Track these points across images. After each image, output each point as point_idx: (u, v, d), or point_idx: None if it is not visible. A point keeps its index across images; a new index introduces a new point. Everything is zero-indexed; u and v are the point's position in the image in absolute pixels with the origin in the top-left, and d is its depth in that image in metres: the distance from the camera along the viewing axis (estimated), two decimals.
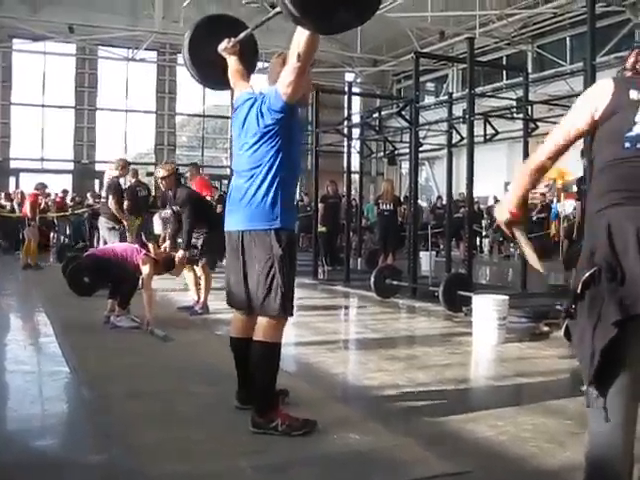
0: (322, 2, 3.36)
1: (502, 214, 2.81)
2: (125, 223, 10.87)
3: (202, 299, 8.98)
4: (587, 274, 2.38)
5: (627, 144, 2.48)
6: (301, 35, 3.68)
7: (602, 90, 2.60)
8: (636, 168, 2.45)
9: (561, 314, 2.56)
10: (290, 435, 3.93)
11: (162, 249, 8.95)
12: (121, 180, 11.38)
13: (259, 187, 4.05)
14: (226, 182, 24.83)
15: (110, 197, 10.69)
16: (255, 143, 4.09)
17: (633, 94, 2.53)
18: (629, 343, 2.37)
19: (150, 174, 22.38)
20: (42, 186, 17.42)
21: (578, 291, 2.43)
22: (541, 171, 2.76)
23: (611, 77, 2.64)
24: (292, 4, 3.27)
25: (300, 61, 3.74)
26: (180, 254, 8.45)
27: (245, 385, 4.39)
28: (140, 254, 7.88)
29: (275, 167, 4.03)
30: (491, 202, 23.46)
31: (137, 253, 7.92)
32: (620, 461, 2.43)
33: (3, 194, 21.88)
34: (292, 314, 4.15)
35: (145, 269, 7.74)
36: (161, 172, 8.86)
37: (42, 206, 21.07)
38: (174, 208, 8.84)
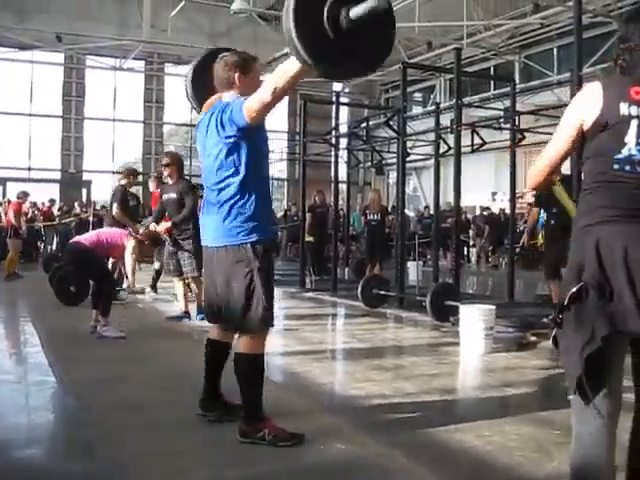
0: (335, 51, 3.33)
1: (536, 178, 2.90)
2: (131, 229, 10.85)
3: (186, 307, 9.04)
4: (575, 289, 2.47)
5: (616, 166, 2.51)
6: (289, 69, 3.65)
7: (590, 100, 2.58)
8: (624, 189, 2.49)
9: (550, 324, 2.70)
10: (277, 445, 3.91)
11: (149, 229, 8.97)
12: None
13: (230, 200, 3.99)
14: None
15: (115, 204, 10.62)
16: (219, 154, 4.00)
17: (623, 108, 2.51)
18: (612, 355, 2.51)
19: (137, 184, 22.30)
20: (24, 194, 17.19)
21: (565, 303, 2.51)
22: (547, 178, 2.88)
23: (599, 82, 2.61)
24: (305, 52, 3.25)
25: (273, 96, 3.70)
26: (168, 225, 8.63)
27: (209, 393, 4.41)
28: (126, 235, 8.07)
29: (243, 179, 3.96)
30: (478, 212, 23.55)
31: (124, 235, 8.07)
32: (604, 465, 2.53)
33: None
34: (273, 325, 4.14)
35: (130, 243, 7.94)
36: (165, 159, 9.10)
37: (29, 215, 21.06)
38: (172, 196, 8.86)
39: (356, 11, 3.24)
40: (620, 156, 2.50)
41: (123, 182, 11.09)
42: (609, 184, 2.53)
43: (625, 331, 2.44)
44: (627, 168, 2.49)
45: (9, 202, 18.25)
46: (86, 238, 8.09)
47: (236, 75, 4.13)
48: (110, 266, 9.32)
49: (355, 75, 3.60)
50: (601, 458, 2.53)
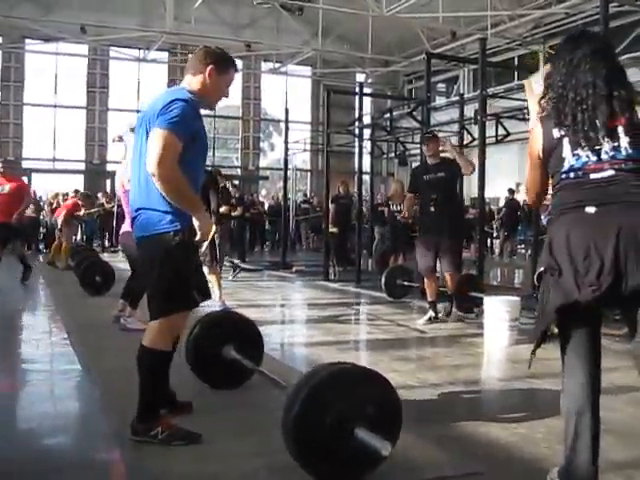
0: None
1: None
2: None
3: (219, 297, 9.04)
4: (539, 271, 3.08)
5: (563, 175, 3.07)
6: (191, 205, 3.80)
7: (537, 135, 3.18)
8: (569, 190, 3.04)
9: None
10: (170, 444, 3.81)
11: None
12: None
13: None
14: (237, 182, 24.84)
15: None
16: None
17: (555, 133, 3.08)
18: (570, 319, 3.12)
19: None
20: (86, 197, 17.49)
21: (535, 282, 3.14)
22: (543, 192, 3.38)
23: (538, 118, 3.22)
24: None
25: (160, 173, 3.67)
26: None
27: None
28: None
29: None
30: (502, 203, 23.45)
31: None
32: (586, 414, 3.08)
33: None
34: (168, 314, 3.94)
35: None
36: None
37: (54, 205, 21.35)
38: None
39: (360, 435, 3.25)
40: (564, 169, 3.06)
41: None
42: (562, 188, 3.08)
43: (572, 301, 2.94)
44: (571, 175, 3.04)
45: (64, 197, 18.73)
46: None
47: (210, 67, 4.03)
48: None
49: None
50: (584, 407, 3.09)
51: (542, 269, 3.05)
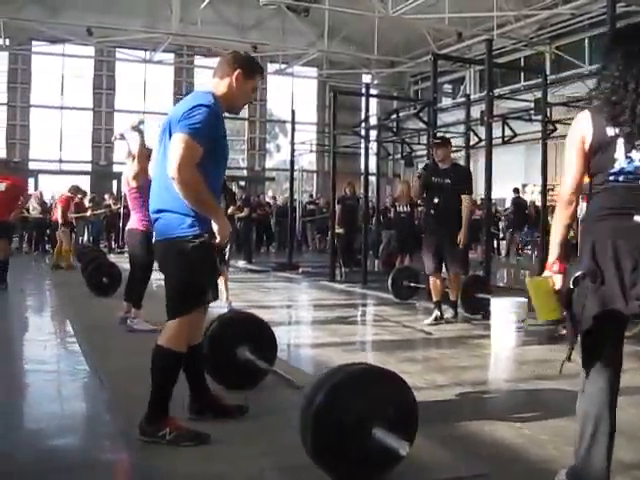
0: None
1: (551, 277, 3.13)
2: None
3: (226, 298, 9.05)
4: (577, 274, 2.94)
5: (611, 177, 2.91)
6: (210, 209, 3.86)
7: (584, 129, 2.97)
8: (616, 194, 2.90)
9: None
10: (179, 445, 3.81)
11: None
12: None
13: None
14: (243, 183, 24.88)
15: None
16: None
17: (610, 131, 2.89)
18: (607, 332, 3.00)
19: None
20: (75, 190, 17.45)
21: (570, 286, 2.98)
22: (572, 210, 3.09)
23: (588, 110, 3.02)
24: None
25: (180, 178, 3.72)
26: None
27: (196, 397, 4.31)
28: None
29: None
30: (508, 204, 23.42)
31: None
32: (603, 417, 3.01)
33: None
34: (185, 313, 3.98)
35: None
36: None
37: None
38: None
39: (378, 435, 3.27)
40: (614, 170, 2.90)
41: None
42: (607, 190, 2.93)
43: (614, 309, 2.85)
44: (620, 178, 2.89)
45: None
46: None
47: (238, 71, 4.08)
48: None
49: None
50: (603, 412, 3.01)
51: (580, 273, 2.92)
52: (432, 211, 8.76)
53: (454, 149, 16.38)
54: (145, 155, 7.64)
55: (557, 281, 3.06)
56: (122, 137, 8.41)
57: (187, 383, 4.31)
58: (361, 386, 3.39)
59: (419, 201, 9.57)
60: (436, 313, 8.65)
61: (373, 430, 3.27)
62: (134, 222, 7.84)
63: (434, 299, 8.77)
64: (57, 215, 16.43)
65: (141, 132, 7.92)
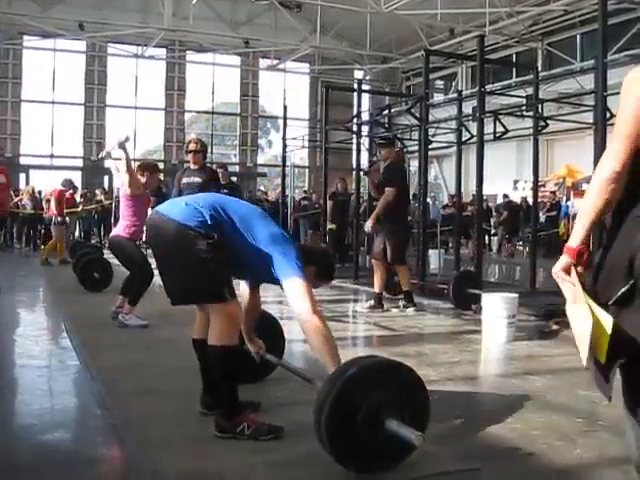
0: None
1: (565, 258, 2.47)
2: None
3: None
4: (626, 287, 2.20)
5: None
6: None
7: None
8: None
9: None
10: (257, 439, 3.84)
11: None
12: None
13: None
14: (235, 179, 24.82)
15: None
16: None
17: None
18: None
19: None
20: (69, 183, 17.46)
21: (611, 302, 2.27)
22: (613, 191, 2.34)
23: None
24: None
25: None
26: None
27: (209, 390, 4.31)
28: None
29: None
30: (500, 200, 23.45)
31: None
32: None
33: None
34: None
35: None
36: (194, 146, 8.65)
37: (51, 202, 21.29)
38: (197, 180, 8.68)
39: (392, 427, 3.29)
40: None
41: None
42: None
43: None
44: None
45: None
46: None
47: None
48: None
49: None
50: None
51: (630, 284, 2.24)
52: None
53: (446, 145, 16.56)
54: (132, 169, 7.91)
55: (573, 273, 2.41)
56: (109, 155, 8.41)
57: (201, 373, 4.36)
58: (375, 378, 3.42)
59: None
60: (371, 302, 9.50)
61: (387, 421, 3.30)
62: (120, 229, 7.97)
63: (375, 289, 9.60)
64: (52, 209, 16.39)
65: (125, 149, 7.87)
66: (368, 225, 9.31)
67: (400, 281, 9.56)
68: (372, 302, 9.43)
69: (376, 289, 9.49)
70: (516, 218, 21.82)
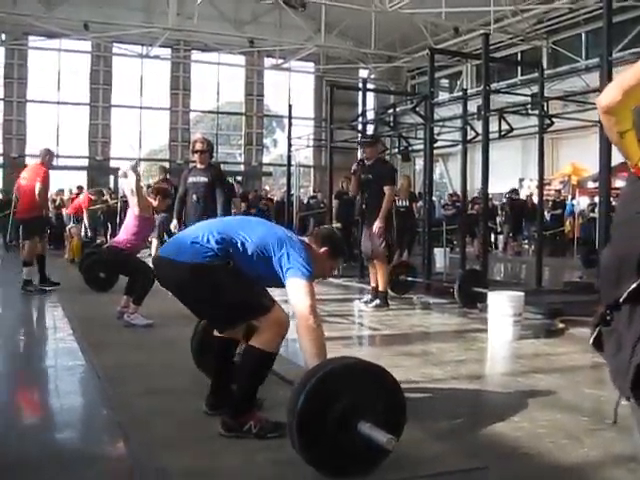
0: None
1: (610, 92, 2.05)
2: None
3: None
4: (635, 284, 1.99)
5: None
6: None
7: None
8: None
9: (592, 320, 2.19)
10: (264, 438, 3.85)
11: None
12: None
13: None
14: (240, 178, 24.85)
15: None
16: None
17: None
18: None
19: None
20: (98, 193, 18.17)
21: (621, 300, 2.04)
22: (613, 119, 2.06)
23: None
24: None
25: None
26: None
27: (217, 391, 4.30)
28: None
29: None
30: (505, 199, 23.39)
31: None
32: None
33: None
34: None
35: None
36: (201, 146, 8.71)
37: (57, 202, 21.38)
38: (203, 179, 8.69)
39: (364, 430, 3.27)
40: None
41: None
42: None
43: None
44: None
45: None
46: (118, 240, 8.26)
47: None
48: None
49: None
50: None
51: None
52: (363, 205, 9.91)
53: (451, 143, 16.55)
54: (142, 192, 8.36)
55: None
56: (125, 175, 8.65)
57: (213, 373, 4.37)
58: (347, 380, 3.39)
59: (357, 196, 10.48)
60: (367, 297, 9.67)
61: (359, 424, 3.27)
62: (120, 241, 8.16)
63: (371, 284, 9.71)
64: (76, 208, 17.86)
65: (137, 172, 8.26)
66: (377, 226, 9.22)
67: (378, 279, 9.46)
68: (378, 301, 9.40)
69: (380, 287, 9.44)
70: (519, 215, 21.73)
